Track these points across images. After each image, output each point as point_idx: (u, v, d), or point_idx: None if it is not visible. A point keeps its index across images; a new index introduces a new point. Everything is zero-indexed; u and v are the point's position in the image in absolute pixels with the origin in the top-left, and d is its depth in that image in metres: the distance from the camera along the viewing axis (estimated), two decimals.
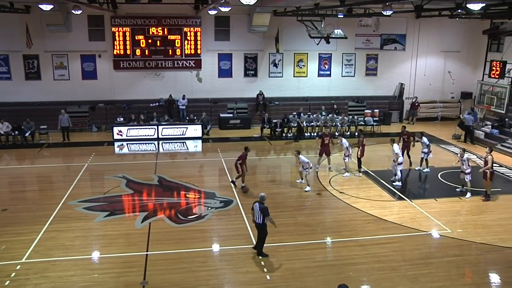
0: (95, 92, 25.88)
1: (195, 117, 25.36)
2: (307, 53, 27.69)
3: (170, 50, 26.05)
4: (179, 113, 26.00)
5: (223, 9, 18.22)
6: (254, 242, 11.85)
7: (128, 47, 25.56)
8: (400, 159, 17.07)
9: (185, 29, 25.90)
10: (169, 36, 25.86)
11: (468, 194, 15.68)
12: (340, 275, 10.68)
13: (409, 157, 19.00)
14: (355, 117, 26.47)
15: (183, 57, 26.28)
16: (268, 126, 24.87)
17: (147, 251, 11.73)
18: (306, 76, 28.16)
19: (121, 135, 23.65)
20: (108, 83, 26.11)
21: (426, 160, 18.50)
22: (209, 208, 14.74)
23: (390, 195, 16.03)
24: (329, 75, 28.38)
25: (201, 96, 26.92)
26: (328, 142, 18.45)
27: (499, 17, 21.89)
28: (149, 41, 25.69)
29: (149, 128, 24.05)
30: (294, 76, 28.05)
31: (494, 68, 24.43)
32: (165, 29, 25.73)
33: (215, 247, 12.16)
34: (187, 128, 24.36)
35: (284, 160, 21.46)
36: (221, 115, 26.62)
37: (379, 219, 13.86)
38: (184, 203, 15.21)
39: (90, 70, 25.90)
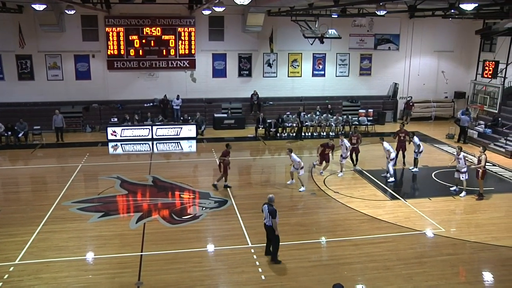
0: (89, 93, 25.79)
1: (189, 117, 25.32)
2: (301, 53, 27.73)
3: (164, 50, 26.00)
4: (174, 113, 25.96)
5: (217, 9, 18.20)
6: (251, 244, 11.84)
7: (122, 47, 25.48)
8: (392, 155, 17.31)
9: (179, 29, 25.85)
10: (163, 36, 25.81)
11: (463, 193, 15.77)
12: (335, 274, 10.70)
13: (404, 156, 19.07)
14: (349, 117, 26.54)
15: (177, 57, 26.24)
16: (262, 126, 24.88)
17: (141, 252, 11.70)
18: (300, 76, 28.20)
19: (115, 135, 23.57)
20: (102, 84, 26.02)
21: (417, 159, 18.57)
22: (204, 208, 14.73)
23: (385, 194, 16.09)
24: (323, 75, 28.44)
25: (195, 96, 26.88)
26: (328, 153, 17.79)
27: (491, 17, 22.04)
28: (143, 41, 25.63)
29: (143, 129, 23.98)
30: (288, 76, 28.08)
31: (487, 68, 24.60)
32: (159, 29, 25.67)
33: (210, 247, 12.15)
34: (181, 128, 24.32)
35: (279, 160, 21.47)
36: (216, 115, 26.60)
37: (373, 219, 13.91)
38: (179, 204, 15.19)
39: (84, 70, 25.79)
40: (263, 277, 10.59)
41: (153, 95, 26.31)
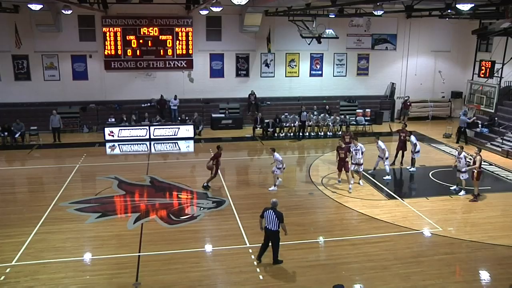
0: (86, 93, 25.74)
1: (187, 118, 25.31)
2: (299, 53, 27.76)
3: (161, 50, 25.98)
4: (171, 114, 25.94)
5: (214, 9, 18.20)
6: (249, 244, 11.83)
7: (119, 47, 25.46)
8: (387, 154, 17.46)
9: (176, 29, 25.84)
10: (160, 36, 25.80)
11: (462, 192, 15.82)
12: (333, 274, 10.72)
13: (402, 156, 19.09)
14: (347, 116, 26.57)
15: (175, 57, 26.23)
16: (260, 126, 24.89)
17: (139, 252, 11.69)
18: (298, 76, 28.23)
19: (113, 135, 23.54)
20: (99, 84, 25.98)
21: (414, 159, 18.61)
22: (202, 208, 14.72)
23: (382, 194, 16.12)
24: (321, 75, 28.47)
25: (192, 97, 26.87)
26: (345, 157, 16.47)
27: (487, 17, 22.09)
28: (140, 41, 25.60)
29: (141, 129, 23.96)
30: (286, 76, 28.10)
31: (483, 67, 24.65)
32: (157, 29, 25.66)
33: (208, 248, 12.15)
34: (179, 128, 24.30)
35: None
36: (213, 115, 26.59)
37: (371, 218, 13.93)
38: (177, 204, 15.18)
39: (81, 71, 25.74)
40: (261, 277, 10.60)
41: (150, 95, 26.28)
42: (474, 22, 26.02)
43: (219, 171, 16.67)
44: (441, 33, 28.70)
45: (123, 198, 15.66)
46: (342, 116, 26.28)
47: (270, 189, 16.28)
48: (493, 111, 24.71)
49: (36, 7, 16.62)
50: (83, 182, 17.64)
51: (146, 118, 24.86)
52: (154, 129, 24.02)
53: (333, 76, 28.62)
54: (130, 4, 24.15)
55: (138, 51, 25.71)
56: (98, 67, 25.79)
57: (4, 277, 10.42)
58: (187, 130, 24.29)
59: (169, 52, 26.07)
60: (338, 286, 7.64)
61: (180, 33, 25.92)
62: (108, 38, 25.24)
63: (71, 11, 21.55)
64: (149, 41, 25.69)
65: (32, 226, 13.07)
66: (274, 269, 10.88)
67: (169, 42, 25.92)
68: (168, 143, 23.67)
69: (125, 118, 24.46)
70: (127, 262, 11.21)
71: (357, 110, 27.65)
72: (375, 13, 17.26)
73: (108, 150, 22.48)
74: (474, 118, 24.27)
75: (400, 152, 19.04)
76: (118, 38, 25.34)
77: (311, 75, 28.40)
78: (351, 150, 16.92)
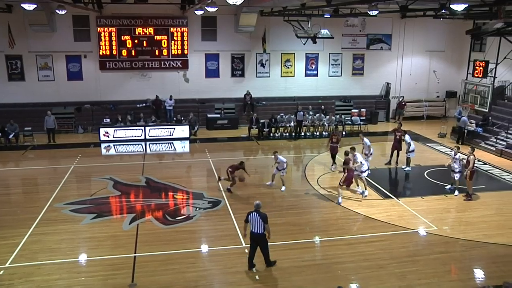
0: (81, 93, 25.64)
1: (182, 118, 25.26)
2: (294, 53, 27.78)
3: (156, 51, 25.93)
4: (166, 114, 25.89)
5: (209, 9, 18.17)
6: (245, 244, 11.84)
7: (114, 47, 25.38)
8: (372, 150, 17.76)
9: (171, 29, 25.80)
10: (155, 37, 25.74)
11: (456, 192, 15.88)
12: (328, 274, 10.74)
13: (397, 156, 19.16)
14: (342, 116, 26.64)
15: (170, 58, 26.18)
16: (256, 126, 24.89)
17: (135, 253, 11.66)
18: (293, 76, 28.25)
19: (108, 136, 23.47)
20: (94, 84, 25.89)
21: (409, 158, 18.67)
22: (197, 208, 14.71)
23: (378, 193, 16.15)
24: (316, 74, 28.52)
25: (188, 97, 26.84)
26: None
27: (481, 17, 22.18)
28: (136, 41, 25.54)
29: (136, 129, 23.90)
30: (281, 76, 28.12)
31: (477, 67, 24.77)
32: (152, 29, 25.60)
33: (204, 248, 12.14)
34: (174, 128, 24.25)
35: (272, 160, 21.43)
36: (209, 115, 26.57)
37: (366, 218, 13.96)
38: (172, 204, 15.15)
39: (76, 71, 25.65)
40: (257, 277, 10.60)
41: (145, 96, 26.22)
42: (468, 22, 26.15)
43: (234, 177, 16.03)
44: (435, 33, 28.81)
45: (119, 198, 15.61)
46: (338, 116, 26.34)
47: (282, 189, 16.21)
48: (487, 110, 24.83)
49: (29, 6, 16.52)
50: (78, 183, 17.57)
51: (141, 118, 24.80)
52: (150, 129, 23.97)
53: (329, 76, 28.66)
54: (125, 4, 24.09)
55: (133, 51, 25.64)
56: (93, 68, 25.70)
57: None
58: (182, 131, 24.25)
59: (164, 52, 26.03)
60: None
61: (175, 33, 25.89)
62: (103, 38, 25.16)
63: (65, 11, 21.47)
64: (144, 41, 25.64)
65: (27, 227, 13.00)
66: (270, 269, 10.87)
67: (164, 42, 25.87)
68: (164, 143, 23.62)
69: (120, 119, 24.39)
70: (123, 263, 11.18)
71: (353, 110, 27.71)
72: (370, 13, 17.27)
73: (103, 151, 22.41)
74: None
75: (396, 151, 19.11)
76: (113, 38, 25.26)
77: (306, 75, 28.43)
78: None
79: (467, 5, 12.85)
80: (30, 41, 24.68)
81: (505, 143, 21.52)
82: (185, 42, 26.10)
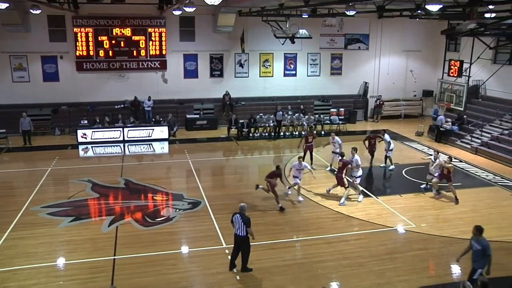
0: (58, 94, 25.17)
1: (161, 119, 25.08)
2: (273, 53, 27.85)
3: (134, 51, 25.66)
4: (145, 115, 25.65)
5: (187, 9, 18.09)
6: (226, 244, 11.82)
7: (91, 48, 25.00)
8: (338, 150, 18.01)
9: (149, 29, 25.57)
10: (133, 37, 25.46)
11: (434, 191, 16.08)
12: (309, 273, 10.81)
13: (373, 155, 19.32)
14: (321, 116, 26.83)
15: (148, 58, 25.95)
16: (235, 127, 24.88)
17: (114, 256, 11.53)
18: (272, 76, 28.32)
19: (86, 138, 23.14)
20: (71, 85, 25.44)
21: (389, 157, 18.91)
22: (177, 210, 14.63)
23: (357, 192, 16.27)
24: (295, 74, 28.64)
25: (167, 97, 26.65)
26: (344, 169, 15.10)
27: (455, 18, 22.65)
28: (113, 42, 25.22)
29: (115, 131, 23.62)
30: (260, 76, 28.15)
31: (452, 67, 25.26)
32: (129, 29, 25.31)
33: (184, 249, 12.08)
34: (153, 129, 24.05)
35: (252, 160, 21.54)
36: (188, 116, 26.43)
37: (346, 217, 14.10)
38: (152, 206, 15.04)
39: (52, 72, 25.18)
40: (238, 277, 10.60)
41: (124, 97, 25.93)
42: (443, 23, 26.66)
43: (272, 188, 14.71)
44: (412, 33, 29.25)
45: (97, 201, 15.41)
46: (317, 116, 26.51)
47: (299, 199, 15.55)
48: (462, 109, 25.33)
49: (1, 5, 16.14)
50: (56, 186, 17.27)
51: (119, 119, 24.52)
52: (128, 130, 23.72)
53: (307, 76, 28.83)
54: (102, 4, 23.78)
55: (110, 52, 25.32)
56: (70, 68, 25.28)
57: None
58: (161, 131, 24.06)
59: (142, 52, 25.78)
60: None
61: (153, 34, 25.66)
62: (79, 38, 24.75)
63: (39, 10, 21.01)
64: (122, 42, 25.34)
65: (2, 232, 12.72)
66: (252, 268, 10.88)
67: (142, 42, 25.62)
68: (143, 144, 23.40)
69: (98, 120, 24.07)
70: (102, 266, 11.05)
71: (331, 110, 27.91)
72: (348, 13, 17.45)
73: (81, 153, 22.08)
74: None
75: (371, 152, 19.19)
76: (90, 39, 24.88)
77: (285, 75, 28.53)
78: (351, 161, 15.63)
79: (441, 6, 13.07)
80: (3, 41, 24.08)
81: (479, 141, 22.01)
82: (163, 43, 25.90)
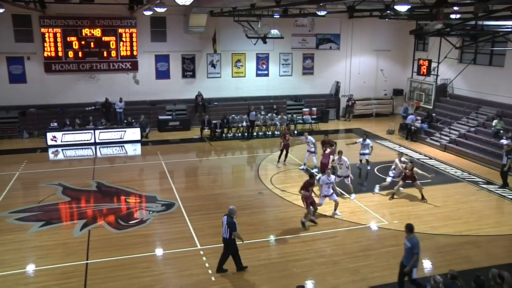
0: (25, 97, 24.48)
1: (133, 120, 24.73)
2: (245, 53, 27.86)
3: (105, 52, 25.23)
4: (117, 117, 25.27)
5: (158, 9, 17.91)
6: (200, 245, 11.76)
7: (59, 49, 24.44)
8: (313, 149, 18.37)
9: (120, 30, 25.20)
10: (103, 38, 25.03)
11: (377, 189, 16.33)
12: (285, 272, 10.87)
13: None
14: (294, 115, 27.00)
15: (119, 59, 25.57)
16: (208, 127, 24.78)
17: (87, 260, 11.33)
18: (245, 76, 28.33)
19: (56, 140, 22.62)
20: (39, 87, 24.80)
21: (367, 160, 19.09)
22: (151, 212, 14.48)
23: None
24: (267, 74, 28.73)
25: (138, 99, 26.32)
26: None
27: (423, 18, 23.16)
28: (82, 42, 24.72)
29: (85, 133, 23.18)
30: (232, 77, 28.12)
31: (421, 66, 25.78)
32: (99, 30, 24.87)
33: (159, 251, 11.97)
34: (125, 131, 23.70)
35: (225, 160, 21.49)
36: (160, 117, 26.16)
37: (320, 215, 14.20)
38: (125, 208, 14.83)
39: (18, 73, 24.47)
40: (213, 278, 10.58)
41: (94, 98, 25.45)
42: (411, 23, 27.17)
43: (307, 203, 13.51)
44: (382, 33, 29.75)
45: (69, 204, 15.10)
46: (289, 115, 26.67)
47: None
48: (431, 107, 25.89)
49: None
50: (25, 190, 16.83)
51: (90, 121, 24.05)
52: (100, 132, 23.31)
53: (279, 75, 28.96)
54: (70, 4, 23.23)
55: (80, 52, 24.81)
56: (38, 70, 24.64)
57: None
58: (133, 133, 23.74)
59: (113, 53, 25.38)
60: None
61: (124, 34, 25.30)
62: (47, 39, 24.16)
63: (3, 9, 20.36)
64: (92, 43, 24.87)
65: None
66: (227, 269, 10.86)
67: (112, 43, 25.22)
68: (115, 146, 23.04)
69: (68, 122, 23.55)
70: (74, 270, 10.84)
71: (304, 109, 28.11)
72: (319, 13, 17.57)
73: (51, 156, 21.56)
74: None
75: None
76: (58, 39, 24.32)
77: (257, 75, 28.58)
78: (335, 163, 15.91)
79: (410, 6, 13.35)
80: None
81: (448, 138, 22.57)
82: (134, 43, 25.56)
